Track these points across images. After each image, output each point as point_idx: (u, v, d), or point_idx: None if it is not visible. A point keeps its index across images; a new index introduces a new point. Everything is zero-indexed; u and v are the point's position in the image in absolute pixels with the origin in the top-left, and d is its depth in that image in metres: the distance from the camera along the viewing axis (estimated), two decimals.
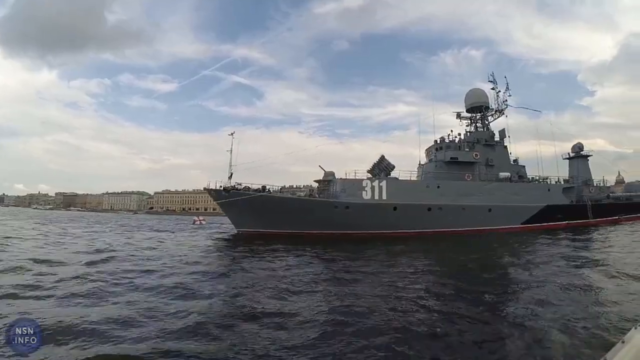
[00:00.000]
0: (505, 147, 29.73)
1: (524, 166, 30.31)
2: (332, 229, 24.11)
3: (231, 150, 26.30)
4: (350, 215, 24.63)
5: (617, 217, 30.67)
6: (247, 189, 25.77)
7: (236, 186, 25.75)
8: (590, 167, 34.25)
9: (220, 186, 25.69)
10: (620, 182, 51.66)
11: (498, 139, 29.76)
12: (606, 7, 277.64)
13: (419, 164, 31.00)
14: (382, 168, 27.08)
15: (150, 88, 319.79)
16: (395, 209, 25.01)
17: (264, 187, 26.52)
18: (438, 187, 26.05)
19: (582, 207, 29.32)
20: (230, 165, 26.44)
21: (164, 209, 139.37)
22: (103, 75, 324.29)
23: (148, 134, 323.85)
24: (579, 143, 34.66)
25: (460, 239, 22.88)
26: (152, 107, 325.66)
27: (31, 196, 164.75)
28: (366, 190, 25.43)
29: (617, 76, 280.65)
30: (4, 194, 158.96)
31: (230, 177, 26.29)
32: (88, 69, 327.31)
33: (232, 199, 24.98)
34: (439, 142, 29.51)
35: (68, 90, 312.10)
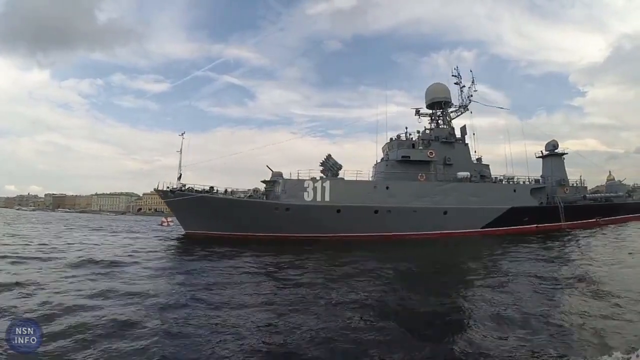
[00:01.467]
0: (467, 144, 27.44)
1: (487, 165, 27.97)
2: (273, 231, 22.66)
3: (181, 151, 25.90)
4: (291, 218, 22.89)
5: (594, 220, 28.32)
6: (191, 189, 24.84)
7: (180, 187, 24.94)
8: (565, 166, 31.88)
9: (168, 187, 25.03)
10: None
11: (459, 137, 27.47)
12: (595, 10, 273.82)
13: (376, 162, 28.73)
14: (327, 167, 24.91)
15: (142, 88, 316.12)
16: (338, 211, 22.87)
17: (211, 188, 25.79)
18: (387, 188, 23.78)
19: (552, 209, 26.92)
20: (180, 166, 25.97)
21: (152, 210, 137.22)
22: (95, 75, 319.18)
23: (139, 134, 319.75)
24: (554, 141, 32.27)
25: (406, 244, 20.67)
26: (144, 108, 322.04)
27: (21, 197, 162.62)
28: (308, 192, 23.45)
29: (608, 77, 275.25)
30: None
31: (179, 178, 25.67)
32: (80, 69, 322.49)
33: (173, 199, 24.52)
34: (394, 139, 27.27)
35: (59, 90, 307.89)
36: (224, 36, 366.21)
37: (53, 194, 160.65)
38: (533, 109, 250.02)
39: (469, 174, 25.29)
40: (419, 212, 23.34)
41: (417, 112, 29.17)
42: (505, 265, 12.38)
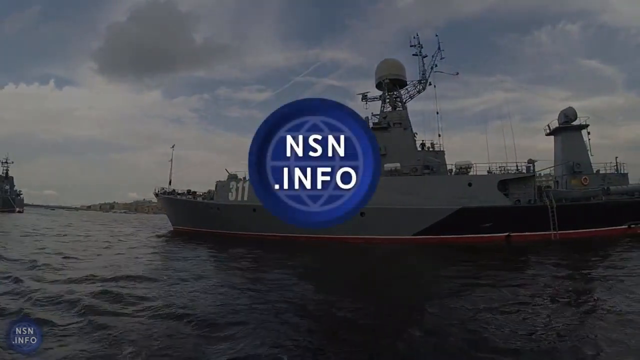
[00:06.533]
0: (407, 129, 22.92)
1: (440, 152, 22.59)
2: (214, 228, 24.72)
3: (171, 160, 30.89)
4: (222, 216, 24.47)
5: (626, 226, 18.96)
6: (165, 192, 29.69)
7: (162, 190, 30.06)
8: (589, 144, 21.93)
9: (157, 190, 30.43)
10: None
11: (398, 121, 23.14)
12: None
13: None
14: None
15: (247, 98, 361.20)
16: (254, 210, 23.16)
17: (189, 191, 29.26)
18: None
19: (536, 210, 19.25)
20: (170, 172, 31.06)
21: None
22: (202, 91, 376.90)
23: (248, 141, 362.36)
24: (569, 108, 22.51)
25: (302, 247, 19.18)
26: (250, 116, 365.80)
27: (137, 202, 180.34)
28: (232, 192, 24.42)
29: None
30: (115, 202, 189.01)
31: (169, 183, 30.68)
32: (187, 87, 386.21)
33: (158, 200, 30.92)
34: None
35: (172, 107, 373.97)
36: (318, 40, 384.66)
37: None
38: None
39: (399, 164, 21.19)
40: None
41: (364, 97, 25.81)
42: None
